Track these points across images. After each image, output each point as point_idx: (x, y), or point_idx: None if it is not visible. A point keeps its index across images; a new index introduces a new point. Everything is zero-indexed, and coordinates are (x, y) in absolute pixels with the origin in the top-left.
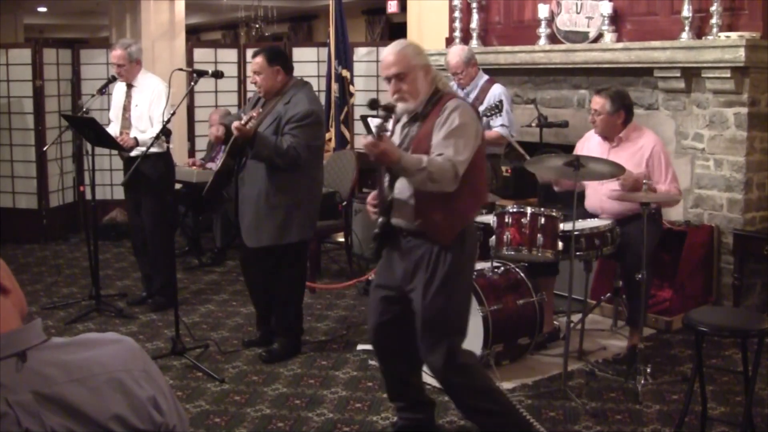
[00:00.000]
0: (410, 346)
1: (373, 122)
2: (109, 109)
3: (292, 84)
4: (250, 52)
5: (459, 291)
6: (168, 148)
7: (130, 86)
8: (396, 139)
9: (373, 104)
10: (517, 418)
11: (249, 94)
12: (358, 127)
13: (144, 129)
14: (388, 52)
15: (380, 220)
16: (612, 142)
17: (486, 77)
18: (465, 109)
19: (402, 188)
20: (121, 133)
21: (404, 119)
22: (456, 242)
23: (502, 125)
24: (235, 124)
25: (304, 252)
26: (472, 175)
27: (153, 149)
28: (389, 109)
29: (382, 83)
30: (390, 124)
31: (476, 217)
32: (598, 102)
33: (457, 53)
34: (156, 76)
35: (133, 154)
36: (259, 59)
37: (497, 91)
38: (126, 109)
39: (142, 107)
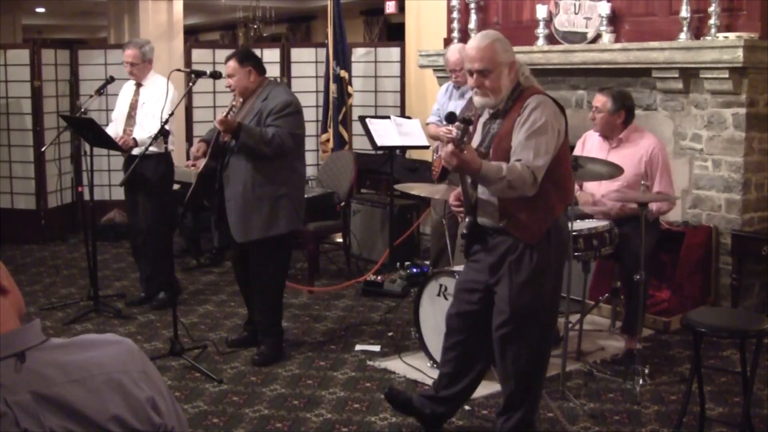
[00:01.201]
0: (484, 345)
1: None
2: (107, 110)
3: (267, 83)
4: None
5: (546, 287)
6: (166, 148)
7: (139, 85)
8: (477, 136)
9: (451, 117)
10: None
11: None
12: (357, 127)
13: (148, 127)
14: (475, 45)
15: (467, 219)
16: (612, 142)
17: None
18: (546, 105)
19: (485, 188)
20: (125, 131)
21: (485, 116)
22: (542, 239)
23: None
24: (219, 117)
25: (289, 246)
26: (557, 171)
27: (154, 149)
28: (468, 122)
29: (380, 83)
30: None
31: (562, 213)
32: (600, 100)
33: (457, 50)
34: (163, 77)
35: (135, 152)
36: (231, 62)
37: None
38: (133, 107)
39: (149, 106)
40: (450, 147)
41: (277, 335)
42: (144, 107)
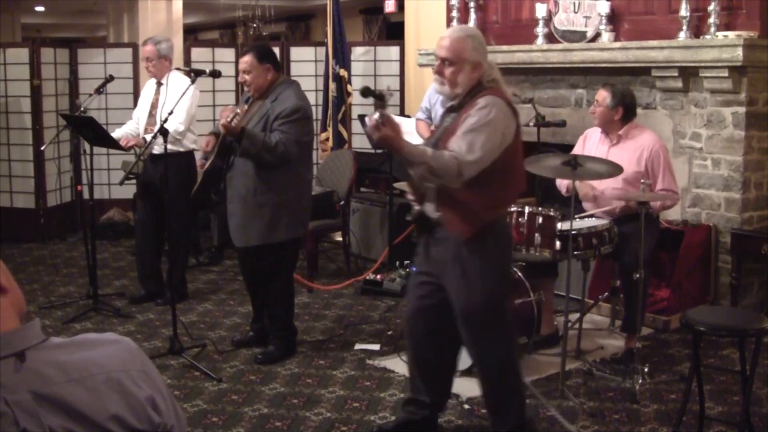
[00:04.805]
0: (445, 337)
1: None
2: (107, 108)
3: (280, 82)
4: None
5: (494, 284)
6: (166, 148)
7: (159, 83)
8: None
9: (366, 92)
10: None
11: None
12: (356, 126)
13: (168, 126)
14: (448, 34)
15: (416, 208)
16: (612, 139)
17: None
18: (496, 106)
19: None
20: (146, 130)
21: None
22: (481, 236)
23: None
24: (222, 122)
25: (294, 252)
26: (501, 172)
27: (177, 148)
28: (381, 98)
29: (379, 82)
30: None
31: (505, 212)
32: (602, 94)
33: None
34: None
35: (155, 151)
36: (249, 58)
37: None
38: (154, 106)
39: (170, 105)
40: (372, 120)
41: (286, 338)
42: (165, 106)
